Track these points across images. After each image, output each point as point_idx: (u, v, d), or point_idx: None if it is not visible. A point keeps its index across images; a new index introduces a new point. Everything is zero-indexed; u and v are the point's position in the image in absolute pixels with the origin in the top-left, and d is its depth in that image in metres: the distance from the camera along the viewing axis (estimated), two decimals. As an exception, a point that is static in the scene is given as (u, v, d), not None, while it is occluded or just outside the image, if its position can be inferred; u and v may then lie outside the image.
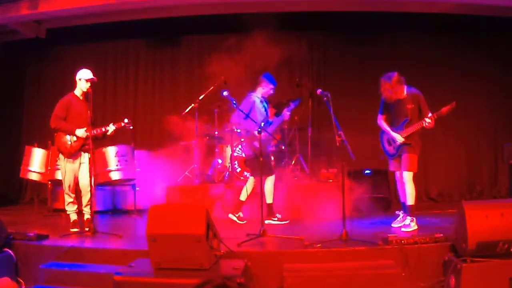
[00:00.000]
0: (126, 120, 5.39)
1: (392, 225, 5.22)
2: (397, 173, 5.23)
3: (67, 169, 5.30)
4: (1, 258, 4.31)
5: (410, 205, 4.99)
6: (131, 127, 5.45)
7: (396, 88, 4.94)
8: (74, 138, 5.23)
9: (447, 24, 7.56)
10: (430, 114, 4.83)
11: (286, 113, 5.75)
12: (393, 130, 5.10)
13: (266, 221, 5.54)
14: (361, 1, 7.28)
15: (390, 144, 5.20)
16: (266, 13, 6.92)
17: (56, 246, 4.54)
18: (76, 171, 5.30)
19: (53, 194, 7.04)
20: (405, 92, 5.02)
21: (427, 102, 4.97)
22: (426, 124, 4.82)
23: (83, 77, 5.28)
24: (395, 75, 4.95)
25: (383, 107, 5.22)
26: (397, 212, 5.35)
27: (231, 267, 3.69)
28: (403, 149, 5.04)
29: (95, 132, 5.22)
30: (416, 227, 4.92)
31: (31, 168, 6.93)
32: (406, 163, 4.99)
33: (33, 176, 6.98)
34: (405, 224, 4.95)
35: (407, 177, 4.97)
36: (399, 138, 5.00)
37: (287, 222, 5.70)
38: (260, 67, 7.29)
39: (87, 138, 5.16)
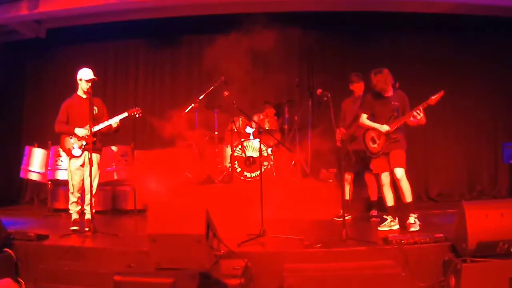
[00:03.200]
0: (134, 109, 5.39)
1: (379, 228, 5.06)
2: (383, 176, 5.08)
3: (71, 169, 5.33)
4: (1, 258, 4.31)
5: (409, 202, 4.93)
6: (139, 115, 5.41)
7: (388, 80, 5.01)
8: (77, 139, 5.25)
9: (447, 24, 7.57)
10: (419, 111, 4.79)
11: None
12: None
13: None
14: (361, 1, 7.28)
15: (374, 142, 5.12)
16: (266, 13, 6.92)
17: (56, 246, 4.54)
18: (81, 171, 5.32)
19: (53, 194, 7.04)
20: (391, 91, 5.10)
21: (426, 102, 4.85)
22: (415, 114, 4.78)
23: (83, 77, 5.31)
24: (386, 69, 5.04)
25: (367, 106, 5.21)
26: (384, 215, 5.25)
27: (231, 267, 3.69)
28: (390, 145, 4.99)
29: (98, 128, 5.21)
30: (419, 222, 4.87)
31: (31, 168, 6.94)
32: (396, 159, 4.93)
33: (33, 176, 6.98)
34: (410, 223, 4.87)
35: (400, 173, 4.90)
36: (385, 128, 4.97)
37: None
38: (260, 67, 7.31)
39: (91, 136, 5.16)
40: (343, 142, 5.82)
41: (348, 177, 5.88)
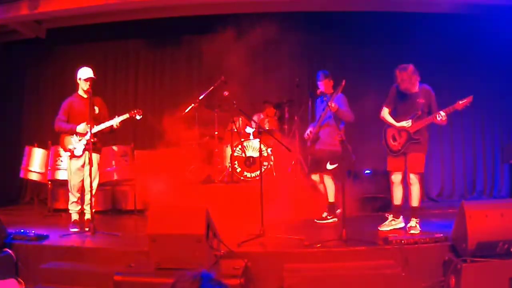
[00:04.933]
0: (134, 111, 5.38)
1: (379, 228, 5.04)
2: (395, 175, 4.99)
3: (72, 168, 5.32)
4: (1, 258, 4.31)
5: (415, 207, 4.89)
6: (140, 117, 5.40)
7: (413, 78, 4.79)
8: (78, 139, 5.24)
9: (447, 24, 7.56)
10: (442, 113, 4.63)
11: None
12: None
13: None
14: (361, 1, 7.28)
15: (395, 140, 4.93)
16: (266, 13, 6.92)
17: (56, 246, 4.54)
18: (81, 170, 5.31)
19: (53, 194, 7.04)
20: (417, 87, 4.88)
21: (453, 107, 4.71)
22: (440, 118, 4.62)
23: (82, 77, 5.30)
24: (411, 66, 4.82)
25: (391, 100, 5.01)
26: (386, 214, 5.24)
27: (231, 267, 3.69)
28: (410, 147, 4.82)
29: (99, 128, 5.21)
30: (419, 228, 4.84)
31: (31, 168, 6.93)
32: (414, 164, 4.80)
33: (33, 176, 6.98)
34: (411, 226, 4.83)
35: (415, 178, 4.81)
36: (406, 125, 4.78)
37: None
38: (260, 66, 7.31)
39: (91, 136, 5.15)
40: (312, 142, 5.81)
41: (316, 178, 5.81)
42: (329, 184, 5.74)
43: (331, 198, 5.74)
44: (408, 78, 4.76)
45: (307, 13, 7.56)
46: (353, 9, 7.42)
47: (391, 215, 5.09)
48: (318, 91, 5.46)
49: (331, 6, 7.32)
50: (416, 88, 4.85)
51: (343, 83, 5.37)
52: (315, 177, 5.82)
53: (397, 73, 4.82)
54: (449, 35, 7.80)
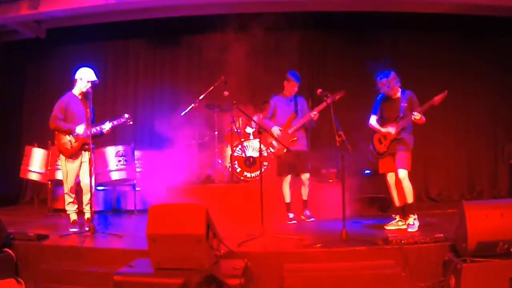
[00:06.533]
0: (126, 116, 5.35)
1: (386, 227, 5.12)
2: (389, 176, 5.15)
3: (68, 169, 5.28)
4: (1, 258, 4.30)
5: (410, 203, 4.95)
6: (131, 122, 5.41)
7: (392, 83, 5.00)
8: (74, 139, 5.22)
9: (447, 24, 7.57)
10: (415, 112, 4.80)
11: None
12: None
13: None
14: (361, 1, 7.28)
15: (381, 143, 5.15)
16: (266, 13, 6.92)
17: (56, 246, 4.54)
18: (77, 170, 5.30)
19: (53, 194, 7.04)
20: (399, 92, 5.09)
21: (429, 103, 4.85)
22: (414, 117, 4.81)
23: (85, 78, 5.26)
24: (392, 73, 5.03)
25: (377, 107, 5.24)
26: (393, 215, 5.27)
27: (231, 267, 3.69)
28: (395, 146, 5.00)
29: (94, 130, 5.20)
30: (418, 224, 4.90)
31: (31, 168, 6.94)
32: (400, 160, 4.95)
33: (33, 176, 6.99)
34: (409, 223, 4.90)
35: (403, 174, 4.92)
36: (391, 131, 4.98)
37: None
38: (260, 66, 7.31)
39: (87, 137, 5.14)
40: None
41: (287, 179, 5.82)
42: (308, 183, 5.84)
43: (306, 196, 5.87)
44: (387, 84, 4.99)
45: (307, 13, 7.56)
46: (353, 9, 7.41)
47: (398, 216, 5.13)
48: (319, 91, 5.45)
49: (331, 6, 7.32)
50: (398, 94, 5.08)
51: (343, 94, 5.50)
52: (288, 178, 5.83)
53: (377, 79, 5.05)
54: (449, 35, 7.81)
